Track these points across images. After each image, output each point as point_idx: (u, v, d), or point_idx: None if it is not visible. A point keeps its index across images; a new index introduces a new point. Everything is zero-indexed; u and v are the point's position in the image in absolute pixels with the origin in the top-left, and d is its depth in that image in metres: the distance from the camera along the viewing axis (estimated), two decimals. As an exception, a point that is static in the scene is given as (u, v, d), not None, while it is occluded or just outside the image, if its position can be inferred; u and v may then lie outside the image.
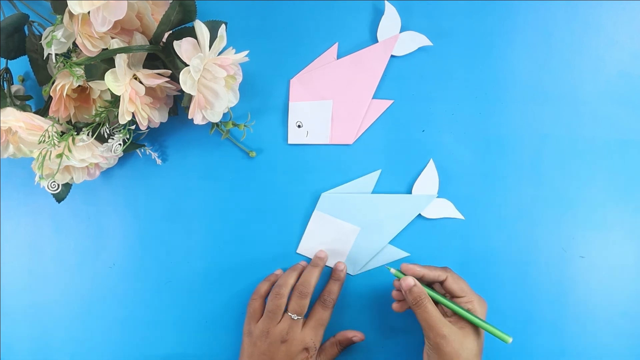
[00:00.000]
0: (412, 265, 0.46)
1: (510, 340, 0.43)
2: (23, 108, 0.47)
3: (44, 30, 0.45)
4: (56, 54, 0.44)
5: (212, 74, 0.42)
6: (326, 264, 0.52)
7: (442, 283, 0.46)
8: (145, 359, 0.54)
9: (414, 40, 0.53)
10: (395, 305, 0.49)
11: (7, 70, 0.50)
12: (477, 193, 0.53)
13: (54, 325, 0.54)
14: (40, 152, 0.44)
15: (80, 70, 0.43)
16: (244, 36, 0.54)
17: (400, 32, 0.53)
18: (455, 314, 0.45)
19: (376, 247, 0.53)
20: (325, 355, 0.49)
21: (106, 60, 0.42)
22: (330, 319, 0.49)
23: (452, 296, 0.46)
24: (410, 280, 0.45)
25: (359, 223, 0.53)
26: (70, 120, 0.48)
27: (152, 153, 0.53)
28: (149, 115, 0.46)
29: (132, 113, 0.43)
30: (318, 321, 0.48)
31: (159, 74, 0.44)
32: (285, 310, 0.48)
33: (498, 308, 0.52)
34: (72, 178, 0.48)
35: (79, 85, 0.45)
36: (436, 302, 0.45)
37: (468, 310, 0.44)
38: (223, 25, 0.43)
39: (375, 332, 0.52)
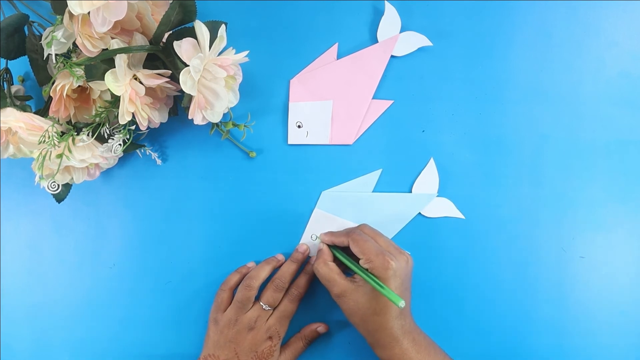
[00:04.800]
0: (324, 233, 0.51)
1: (402, 304, 0.40)
2: (23, 108, 0.47)
3: (44, 30, 0.45)
4: (56, 54, 0.44)
5: (212, 74, 0.42)
6: None
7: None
8: (145, 358, 0.54)
9: (414, 41, 0.53)
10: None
11: (7, 70, 0.50)
12: (477, 193, 0.53)
13: (54, 325, 0.54)
14: (40, 153, 0.44)
15: (80, 71, 0.43)
16: (244, 36, 0.54)
17: (400, 32, 0.53)
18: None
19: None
20: (291, 350, 0.50)
21: (106, 60, 0.42)
22: (296, 312, 0.50)
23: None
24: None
25: (359, 221, 0.53)
26: (70, 121, 0.48)
27: (152, 153, 0.53)
28: (149, 116, 0.46)
29: (132, 113, 0.43)
30: (283, 313, 0.49)
31: (159, 74, 0.44)
32: (257, 300, 0.49)
33: (498, 308, 0.52)
34: (72, 178, 0.48)
35: (79, 86, 0.45)
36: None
37: (365, 270, 0.45)
38: (223, 26, 0.43)
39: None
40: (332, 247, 0.50)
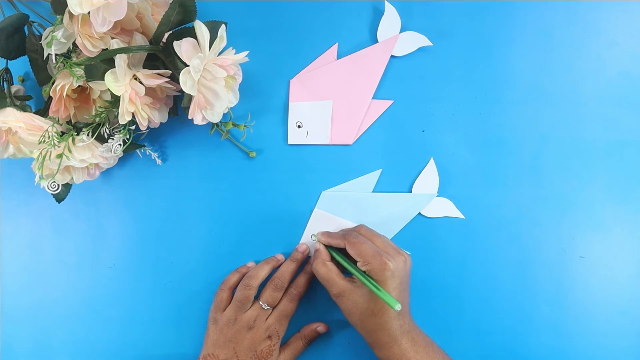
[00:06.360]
0: (321, 233, 0.50)
1: (398, 307, 0.41)
2: (23, 108, 0.47)
3: (44, 30, 0.45)
4: (56, 54, 0.44)
5: (212, 74, 0.42)
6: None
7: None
8: (145, 359, 0.54)
9: (414, 41, 0.53)
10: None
11: (7, 70, 0.50)
12: (477, 193, 0.53)
13: (54, 325, 0.54)
14: (40, 153, 0.44)
15: (80, 71, 0.43)
16: (244, 36, 0.54)
17: (400, 32, 0.53)
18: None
19: (376, 247, 0.53)
20: (291, 349, 0.50)
21: (106, 60, 0.42)
22: (295, 311, 0.50)
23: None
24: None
25: (359, 221, 0.53)
26: (70, 121, 0.48)
27: (152, 153, 0.53)
28: (149, 116, 0.46)
29: (132, 113, 0.43)
30: (282, 312, 0.49)
31: (159, 74, 0.44)
32: (256, 299, 0.49)
33: (498, 308, 0.52)
34: (72, 178, 0.48)
35: (79, 86, 0.45)
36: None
37: (363, 272, 0.45)
38: (223, 26, 0.43)
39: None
40: (329, 247, 0.50)
